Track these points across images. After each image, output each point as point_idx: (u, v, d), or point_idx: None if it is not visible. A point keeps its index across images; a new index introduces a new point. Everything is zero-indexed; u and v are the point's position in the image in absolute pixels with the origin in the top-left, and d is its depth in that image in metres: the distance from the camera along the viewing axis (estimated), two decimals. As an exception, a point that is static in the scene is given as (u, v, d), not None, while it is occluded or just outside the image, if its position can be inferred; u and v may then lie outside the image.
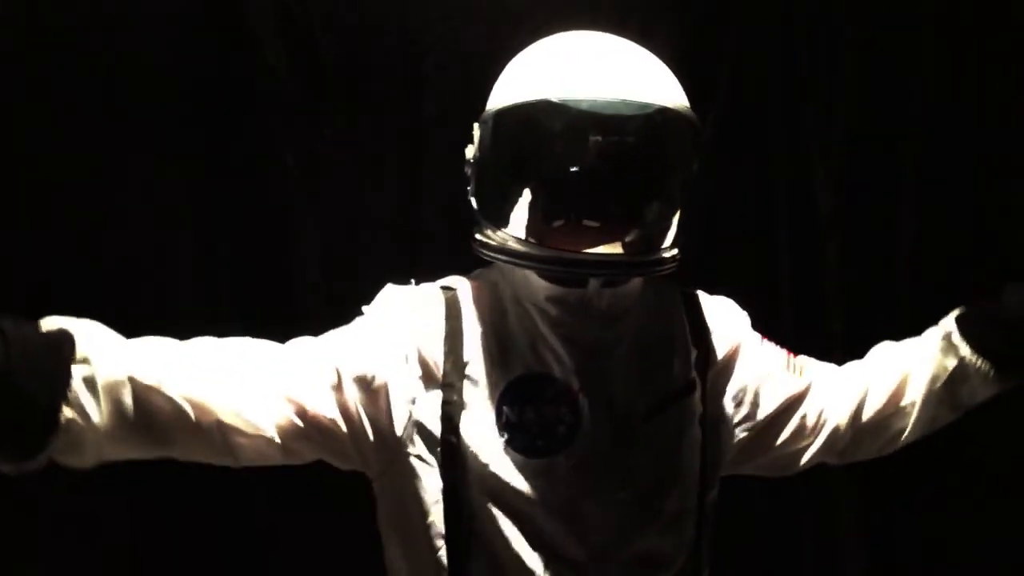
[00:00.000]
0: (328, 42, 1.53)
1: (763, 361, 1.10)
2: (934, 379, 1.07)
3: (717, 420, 1.05)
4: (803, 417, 1.10)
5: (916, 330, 1.14)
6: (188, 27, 1.50)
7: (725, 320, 1.10)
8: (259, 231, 1.56)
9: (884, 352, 1.15)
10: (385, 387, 0.95)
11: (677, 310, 1.07)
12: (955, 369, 1.06)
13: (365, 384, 0.94)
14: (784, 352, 1.13)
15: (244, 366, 0.91)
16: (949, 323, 1.08)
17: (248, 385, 0.90)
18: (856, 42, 1.60)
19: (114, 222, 1.51)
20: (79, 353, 0.79)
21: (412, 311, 0.99)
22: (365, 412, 0.94)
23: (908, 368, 1.10)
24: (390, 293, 1.02)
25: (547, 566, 0.93)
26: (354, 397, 0.94)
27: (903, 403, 1.10)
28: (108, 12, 1.47)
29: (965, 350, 1.05)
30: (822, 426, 1.11)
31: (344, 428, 0.94)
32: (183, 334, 1.30)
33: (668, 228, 0.99)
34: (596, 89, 0.93)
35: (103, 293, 1.51)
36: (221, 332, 1.48)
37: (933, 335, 1.09)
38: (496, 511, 0.93)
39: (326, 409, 0.93)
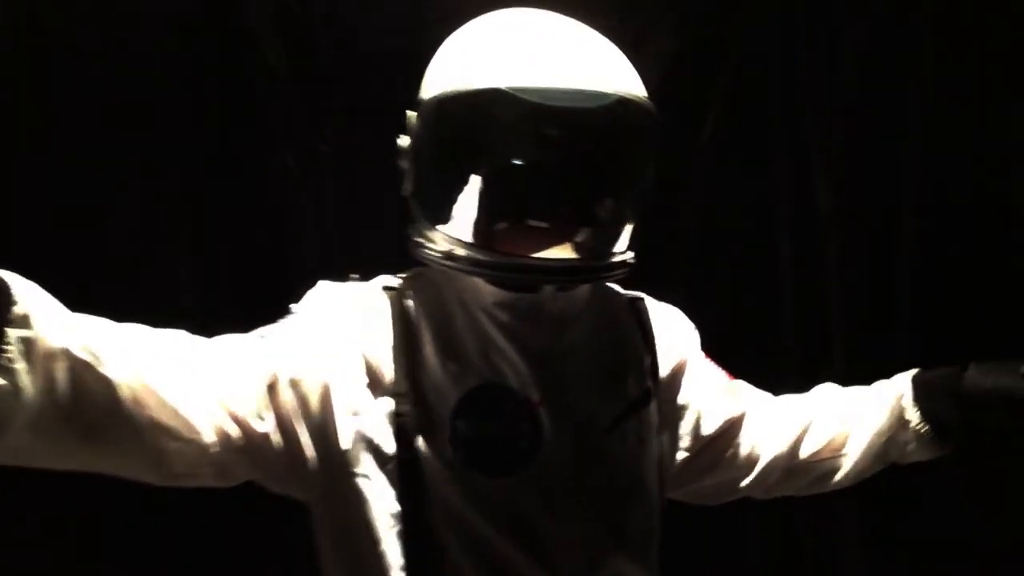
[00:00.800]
0: (328, 42, 1.53)
1: (706, 379, 1.04)
2: (877, 435, 1.04)
3: (666, 434, 0.99)
4: (738, 446, 1.05)
5: (916, 331, 1.14)
6: (188, 27, 1.50)
7: (674, 330, 1.03)
8: (259, 231, 1.56)
9: (830, 395, 1.11)
10: (327, 394, 0.83)
11: (626, 315, 1.01)
12: (899, 431, 1.03)
13: (304, 390, 0.83)
14: (723, 373, 1.08)
15: (183, 360, 0.80)
16: (904, 385, 1.04)
17: (186, 382, 0.78)
18: (856, 42, 1.60)
19: (114, 222, 1.51)
20: (17, 310, 0.66)
21: (355, 310, 0.88)
22: (304, 422, 0.82)
23: (853, 418, 1.06)
24: (326, 290, 0.91)
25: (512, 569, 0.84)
26: (291, 404, 0.82)
27: (841, 452, 1.06)
28: (108, 12, 1.47)
29: (914, 416, 1.02)
30: (756, 459, 1.05)
31: (279, 441, 0.81)
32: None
33: (622, 228, 0.91)
34: (551, 77, 0.83)
35: (103, 293, 1.51)
36: (221, 332, 1.48)
37: (885, 393, 1.05)
38: (455, 537, 0.84)
39: (259, 417, 0.80)
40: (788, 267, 1.66)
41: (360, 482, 0.84)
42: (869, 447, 1.05)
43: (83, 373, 0.70)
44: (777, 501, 1.19)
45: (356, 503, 0.84)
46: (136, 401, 0.73)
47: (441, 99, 0.86)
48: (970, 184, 1.61)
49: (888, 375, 1.12)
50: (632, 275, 1.04)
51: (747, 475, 1.07)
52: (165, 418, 0.75)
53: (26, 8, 1.44)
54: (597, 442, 0.90)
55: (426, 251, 0.88)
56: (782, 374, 1.08)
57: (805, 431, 1.06)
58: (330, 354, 0.85)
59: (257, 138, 1.54)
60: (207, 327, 1.51)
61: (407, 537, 0.84)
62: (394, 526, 0.84)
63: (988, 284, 1.58)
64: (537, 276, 0.87)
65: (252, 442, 0.80)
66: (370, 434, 0.84)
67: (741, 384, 1.09)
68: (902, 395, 1.03)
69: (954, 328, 1.60)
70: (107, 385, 0.71)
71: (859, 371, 1.55)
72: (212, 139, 1.53)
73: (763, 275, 1.67)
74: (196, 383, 0.78)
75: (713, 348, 1.15)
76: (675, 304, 1.24)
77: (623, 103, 0.86)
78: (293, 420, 0.82)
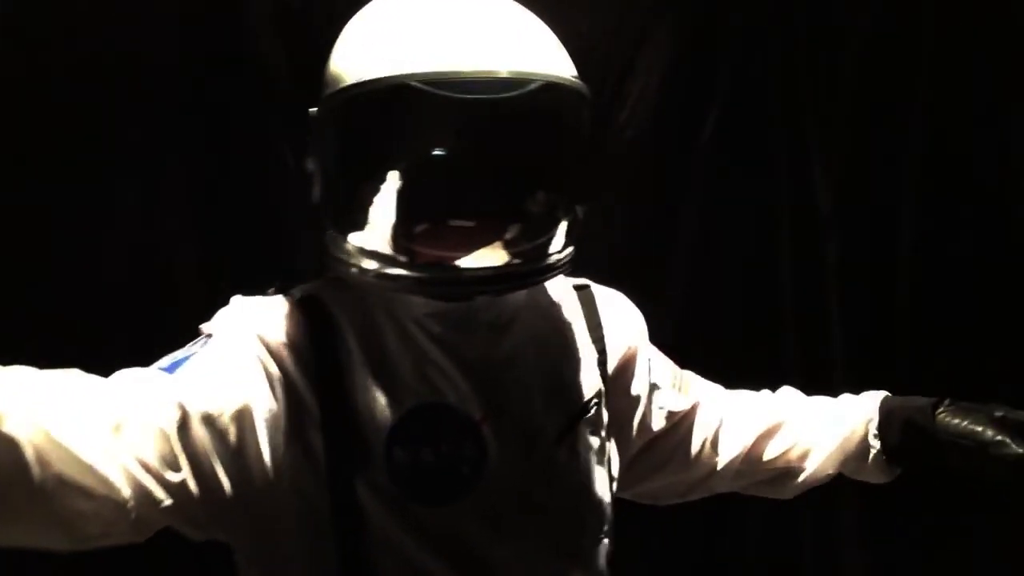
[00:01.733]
0: (328, 42, 1.53)
1: (655, 370, 0.98)
2: (836, 454, 1.02)
3: (617, 432, 0.93)
4: (688, 443, 1.00)
5: (916, 330, 1.13)
6: (188, 27, 1.50)
7: (622, 318, 0.97)
8: (259, 230, 1.56)
9: (795, 402, 1.07)
10: (246, 428, 0.74)
11: (571, 306, 0.93)
12: (858, 455, 1.01)
13: (219, 426, 0.72)
14: (671, 364, 1.02)
15: (85, 408, 0.68)
16: (871, 409, 1.01)
17: (93, 432, 0.66)
18: (856, 42, 1.60)
19: (113, 222, 1.51)
20: None
21: (271, 329, 0.79)
22: (221, 461, 0.72)
23: (816, 433, 1.03)
24: (239, 306, 0.83)
25: None
26: (205, 443, 0.71)
27: (799, 465, 1.04)
28: (107, 11, 1.46)
29: (875, 444, 0.99)
30: (711, 457, 1.02)
31: (195, 488, 0.71)
32: (183, 333, 1.30)
33: (556, 222, 0.82)
34: (466, 61, 0.73)
35: (103, 293, 1.51)
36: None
37: (852, 415, 1.02)
38: (397, 571, 0.77)
39: (173, 466, 0.70)
40: (788, 267, 1.66)
41: (289, 521, 0.76)
42: (825, 464, 1.02)
43: None
44: (776, 501, 1.18)
45: (286, 542, 0.77)
46: (41, 460, 0.61)
47: (340, 94, 0.78)
48: (970, 184, 1.61)
49: (887, 375, 1.12)
50: (625, 275, 1.02)
51: (700, 474, 1.03)
52: (77, 476, 0.63)
53: (25, 8, 1.44)
54: (546, 456, 0.84)
55: (342, 267, 0.80)
56: (782, 373, 1.07)
57: (768, 434, 1.04)
58: (246, 383, 0.75)
59: (257, 138, 1.54)
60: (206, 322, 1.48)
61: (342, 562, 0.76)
62: (329, 565, 0.76)
63: (988, 284, 1.58)
64: (467, 288, 0.79)
65: (168, 492, 0.69)
66: (297, 468, 0.76)
67: (689, 376, 1.04)
68: (869, 420, 1.00)
69: (954, 327, 1.60)
70: (8, 444, 0.59)
71: (859, 371, 1.57)
72: (212, 139, 1.53)
73: (763, 275, 1.67)
74: (104, 432, 0.67)
75: (713, 348, 1.15)
76: (674, 305, 1.24)
77: (548, 87, 0.77)
78: (210, 460, 0.71)
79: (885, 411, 0.99)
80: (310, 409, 0.77)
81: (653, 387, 0.98)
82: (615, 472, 0.93)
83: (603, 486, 0.89)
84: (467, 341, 0.83)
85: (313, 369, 0.78)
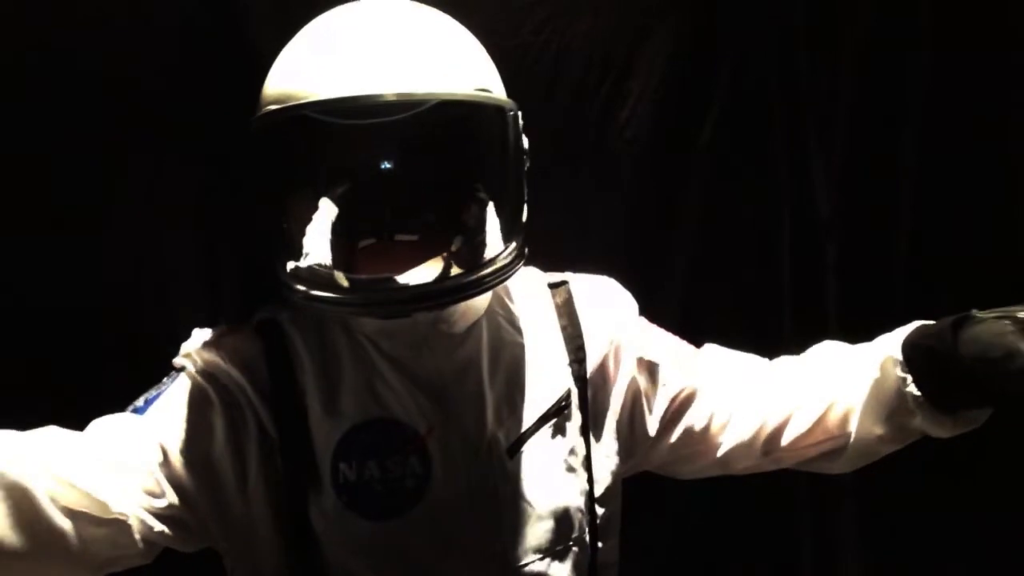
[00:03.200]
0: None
1: (653, 350, 0.97)
2: (870, 409, 0.90)
3: (602, 426, 0.93)
4: (691, 426, 0.97)
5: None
6: (188, 27, 1.50)
7: (602, 311, 0.97)
8: (260, 230, 1.56)
9: (818, 369, 0.97)
10: (216, 461, 0.80)
11: (543, 306, 0.95)
12: (898, 402, 0.87)
13: (193, 458, 0.79)
14: (673, 341, 1.01)
15: (76, 449, 0.77)
16: (893, 348, 0.88)
17: (89, 466, 0.74)
18: (856, 42, 1.60)
19: (113, 222, 1.51)
20: None
21: (229, 360, 0.83)
22: (200, 492, 0.79)
23: (845, 395, 0.93)
24: (200, 339, 0.87)
25: None
26: (184, 476, 0.79)
27: (838, 435, 0.94)
28: (107, 12, 1.46)
29: (911, 387, 0.86)
30: (716, 440, 0.97)
31: (180, 513, 0.79)
32: (183, 334, 1.30)
33: (484, 230, 0.83)
34: (364, 84, 0.74)
35: (103, 293, 1.51)
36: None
37: (872, 358, 0.90)
38: None
39: (159, 494, 0.78)
40: (788, 268, 1.66)
41: (267, 531, 0.82)
42: (866, 423, 0.90)
43: None
44: (776, 501, 1.19)
45: (266, 550, 0.82)
46: (52, 497, 0.70)
47: (257, 121, 0.81)
48: (970, 184, 1.61)
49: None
50: (625, 275, 1.03)
51: (707, 459, 0.98)
52: (84, 506, 0.72)
53: (25, 8, 1.44)
54: (497, 467, 0.84)
55: (285, 291, 0.81)
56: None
57: (787, 414, 0.95)
58: (209, 419, 0.81)
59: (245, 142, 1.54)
60: (208, 327, 1.51)
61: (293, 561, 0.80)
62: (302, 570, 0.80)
63: (988, 284, 1.58)
64: (405, 306, 0.78)
65: (160, 520, 0.78)
66: (265, 489, 0.81)
67: (694, 354, 1.00)
68: (895, 360, 0.88)
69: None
70: (20, 489, 0.67)
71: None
72: (212, 139, 1.53)
73: (763, 275, 1.67)
74: (97, 469, 0.75)
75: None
76: (673, 305, 1.23)
77: (449, 104, 0.78)
78: (191, 490, 0.80)
79: (908, 347, 0.87)
80: (270, 434, 0.82)
81: (652, 366, 0.97)
82: (603, 472, 0.92)
83: (571, 491, 0.88)
84: (418, 356, 0.84)
85: (270, 395, 0.82)
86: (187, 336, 0.93)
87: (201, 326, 0.93)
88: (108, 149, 1.49)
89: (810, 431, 0.94)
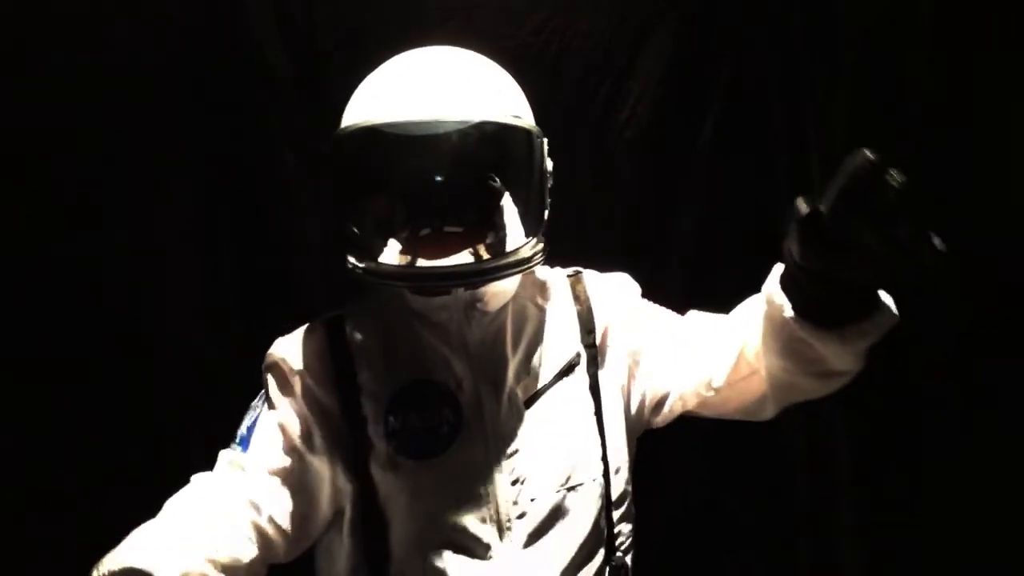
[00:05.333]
0: (328, 42, 1.53)
1: (649, 327, 1.16)
2: (768, 340, 0.98)
3: (611, 387, 1.12)
4: (644, 382, 1.16)
5: (914, 331, 1.13)
6: (188, 27, 1.50)
7: (610, 292, 1.17)
8: (260, 231, 1.56)
9: (740, 312, 1.12)
10: (307, 466, 1.03)
11: (562, 291, 1.16)
12: (786, 326, 0.92)
13: (292, 479, 1.02)
14: (670, 316, 1.19)
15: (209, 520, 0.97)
16: (771, 280, 0.96)
17: (218, 536, 0.96)
18: (855, 42, 1.60)
19: (113, 222, 1.51)
20: None
21: (298, 359, 1.05)
22: (302, 508, 1.03)
23: (748, 332, 1.05)
24: (276, 350, 1.08)
25: (455, 543, 0.99)
26: (285, 504, 1.02)
27: (756, 367, 1.06)
28: (107, 11, 1.47)
29: (787, 306, 0.91)
30: (663, 393, 1.16)
31: (291, 537, 1.02)
32: (184, 334, 1.31)
33: (521, 227, 1.06)
34: (416, 111, 0.99)
35: (103, 293, 1.51)
36: (222, 332, 1.49)
37: (764, 292, 0.97)
38: (397, 513, 1.01)
39: (274, 526, 1.01)
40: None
41: (343, 502, 1.05)
42: (770, 356, 0.99)
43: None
44: (776, 500, 1.18)
45: (343, 520, 1.05)
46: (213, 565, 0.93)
47: (336, 137, 1.04)
48: (970, 183, 1.61)
49: (887, 374, 1.11)
50: (549, 261, 1.13)
51: (656, 414, 1.17)
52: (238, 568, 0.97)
53: (26, 7, 1.44)
54: (517, 415, 1.05)
55: (356, 272, 1.03)
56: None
57: (719, 355, 1.10)
58: (293, 426, 1.03)
59: (257, 138, 1.54)
60: (208, 327, 1.52)
61: (361, 520, 1.02)
62: (352, 511, 1.03)
63: (987, 283, 1.58)
64: (430, 282, 1.02)
65: (281, 551, 1.02)
66: (338, 460, 1.03)
67: (659, 315, 1.19)
68: (769, 291, 0.95)
69: (953, 322, 1.60)
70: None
71: (860, 371, 1.55)
72: (212, 139, 1.53)
73: (763, 274, 1.67)
74: (225, 529, 0.97)
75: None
76: (672, 303, 1.25)
77: (480, 126, 1.02)
78: (296, 511, 1.03)
79: (782, 274, 0.93)
80: (333, 412, 1.04)
81: (651, 338, 1.15)
82: (611, 423, 1.10)
83: (583, 437, 1.07)
84: (458, 329, 1.06)
85: (333, 378, 1.04)
86: (186, 335, 1.01)
87: (201, 327, 1.01)
88: (108, 150, 1.49)
89: (737, 365, 1.09)
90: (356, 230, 1.07)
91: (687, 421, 1.23)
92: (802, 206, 0.81)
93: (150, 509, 1.13)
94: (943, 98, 1.58)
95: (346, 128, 1.04)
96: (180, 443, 1.48)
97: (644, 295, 1.22)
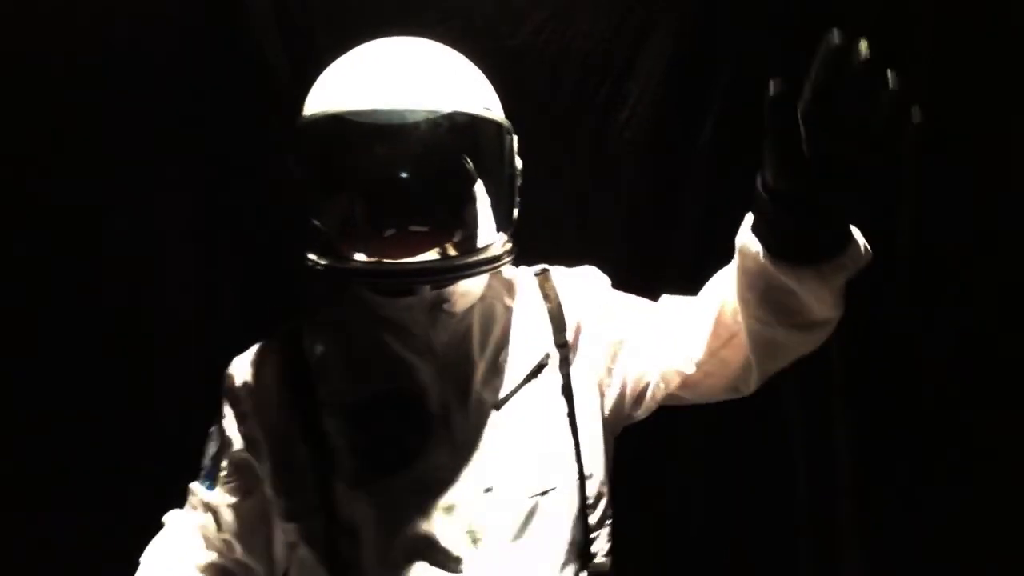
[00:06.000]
0: (328, 42, 1.53)
1: (623, 317, 1.12)
2: (742, 290, 0.93)
3: (586, 386, 1.07)
4: (626, 373, 1.11)
5: (914, 332, 1.13)
6: (187, 26, 1.50)
7: (579, 287, 1.13)
8: (259, 230, 1.56)
9: (714, 280, 1.08)
10: (263, 495, 1.03)
11: (530, 290, 1.11)
12: (761, 269, 0.87)
13: (248, 508, 1.04)
14: (643, 303, 1.15)
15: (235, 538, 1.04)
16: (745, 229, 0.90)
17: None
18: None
19: (113, 222, 1.51)
20: None
21: (251, 378, 1.03)
22: (261, 530, 1.05)
23: (724, 292, 1.01)
24: (231, 371, 1.06)
25: (426, 556, 0.96)
26: (249, 526, 1.06)
27: (734, 329, 1.01)
28: (106, 10, 1.47)
29: (762, 254, 0.86)
30: (643, 383, 1.11)
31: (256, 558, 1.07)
32: (184, 334, 1.31)
33: (491, 224, 1.01)
34: (384, 99, 0.93)
35: (103, 293, 1.51)
36: (221, 332, 1.49)
37: (736, 247, 0.92)
38: (367, 532, 0.97)
39: (230, 547, 1.06)
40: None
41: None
42: (747, 309, 0.94)
43: None
44: (774, 499, 1.18)
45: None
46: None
47: (297, 127, 0.98)
48: (970, 183, 1.61)
49: (886, 373, 1.11)
50: (625, 275, 1.13)
51: (639, 407, 1.12)
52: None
53: (25, 7, 1.44)
54: (486, 421, 1.00)
55: (317, 270, 0.97)
56: (780, 373, 1.08)
57: (696, 324, 1.06)
58: (245, 453, 1.03)
59: (257, 138, 1.54)
60: (208, 326, 1.52)
61: (329, 537, 0.98)
62: (320, 530, 0.98)
63: (987, 283, 1.58)
64: (409, 279, 0.96)
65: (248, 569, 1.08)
66: (299, 485, 1.00)
67: (632, 304, 1.14)
68: (745, 240, 0.89)
69: (952, 322, 1.60)
70: None
71: (858, 368, 1.56)
72: (212, 139, 1.53)
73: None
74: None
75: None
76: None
77: (451, 116, 0.96)
78: (257, 534, 1.07)
79: (752, 222, 0.89)
80: (292, 431, 1.00)
81: (628, 331, 1.11)
82: (586, 424, 1.05)
83: (555, 440, 1.03)
84: (424, 333, 1.01)
85: (290, 396, 1.01)
86: (186, 335, 1.01)
87: (201, 327, 1.01)
88: (108, 149, 1.49)
89: (715, 332, 1.04)
90: (318, 225, 0.99)
91: (687, 420, 1.23)
92: (775, 94, 0.80)
93: (150, 509, 1.13)
94: (943, 98, 1.58)
95: (308, 116, 0.97)
96: (180, 443, 1.48)
97: (644, 294, 1.19)
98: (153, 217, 1.53)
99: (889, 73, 0.75)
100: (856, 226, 0.89)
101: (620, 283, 1.18)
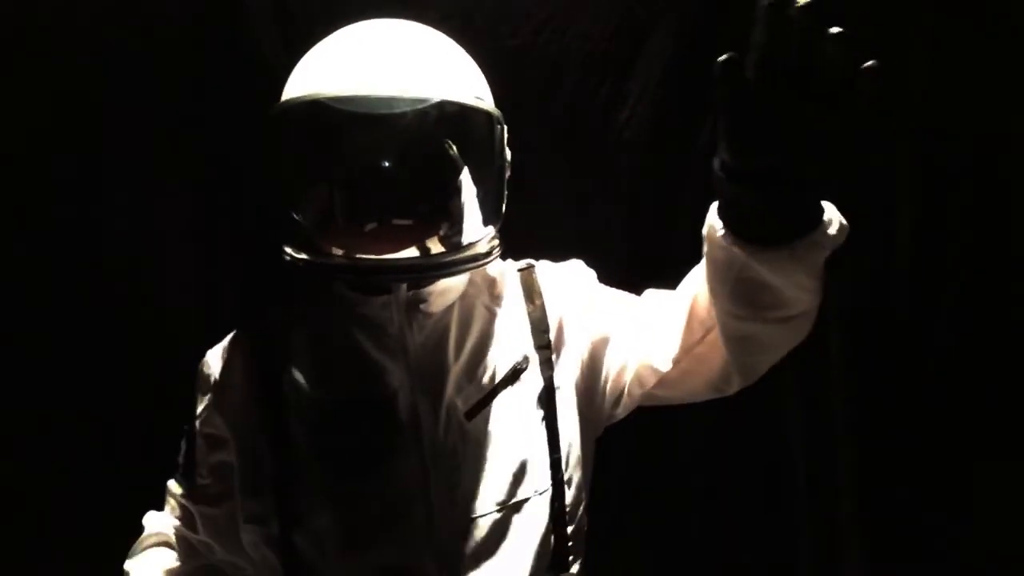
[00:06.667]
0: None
1: (607, 311, 1.06)
2: (712, 283, 0.86)
3: (566, 389, 1.02)
4: (609, 369, 1.05)
5: (914, 332, 1.13)
6: (187, 25, 1.50)
7: (563, 282, 1.07)
8: (259, 229, 1.56)
9: (687, 278, 1.00)
10: (232, 497, 1.00)
11: (513, 287, 1.05)
12: (729, 256, 0.79)
13: (224, 510, 1.02)
14: (628, 298, 1.09)
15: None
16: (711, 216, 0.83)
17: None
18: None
19: (113, 222, 1.51)
20: None
21: (221, 376, 0.99)
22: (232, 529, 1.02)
23: (695, 286, 0.95)
24: (203, 364, 1.02)
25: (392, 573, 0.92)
26: (222, 524, 1.04)
27: (709, 323, 0.94)
28: (106, 10, 1.47)
29: (721, 228, 0.80)
30: (621, 379, 1.05)
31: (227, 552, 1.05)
32: (184, 334, 1.32)
33: (461, 221, 0.95)
34: (369, 84, 0.86)
35: (104, 293, 1.51)
36: (221, 332, 1.49)
37: (703, 239, 0.85)
38: (331, 541, 0.93)
39: (210, 547, 1.05)
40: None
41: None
42: (717, 299, 0.86)
43: None
44: (774, 500, 1.18)
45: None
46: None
47: (273, 113, 0.91)
48: (970, 183, 1.61)
49: (886, 372, 1.10)
50: (624, 275, 1.10)
51: (620, 404, 1.06)
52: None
53: (25, 7, 1.44)
54: (456, 429, 0.95)
55: (294, 265, 0.92)
56: (780, 373, 1.08)
57: (671, 322, 0.99)
58: (217, 453, 1.00)
59: (257, 137, 1.54)
60: (208, 326, 1.52)
61: (290, 547, 0.94)
62: (281, 536, 0.95)
63: (987, 282, 1.58)
64: (387, 277, 0.91)
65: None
66: (259, 489, 0.96)
67: (617, 299, 1.09)
68: (711, 227, 0.82)
69: (952, 322, 1.60)
70: None
71: (858, 367, 1.56)
72: (211, 138, 1.53)
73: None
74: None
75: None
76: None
77: (441, 105, 0.89)
78: (231, 531, 1.02)
79: (717, 208, 0.82)
80: (256, 431, 0.96)
81: (612, 327, 1.06)
82: (566, 430, 1.00)
83: (530, 449, 0.97)
84: (398, 333, 0.95)
85: (257, 395, 0.97)
86: (186, 335, 1.01)
87: (201, 327, 1.00)
88: (108, 149, 1.49)
89: (689, 326, 0.97)
90: (297, 217, 0.94)
91: (687, 420, 1.22)
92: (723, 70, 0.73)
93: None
94: (943, 98, 1.58)
95: (288, 100, 0.90)
96: (179, 443, 1.48)
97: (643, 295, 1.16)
98: (153, 217, 1.53)
99: (834, 28, 0.70)
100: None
101: (620, 283, 1.18)
